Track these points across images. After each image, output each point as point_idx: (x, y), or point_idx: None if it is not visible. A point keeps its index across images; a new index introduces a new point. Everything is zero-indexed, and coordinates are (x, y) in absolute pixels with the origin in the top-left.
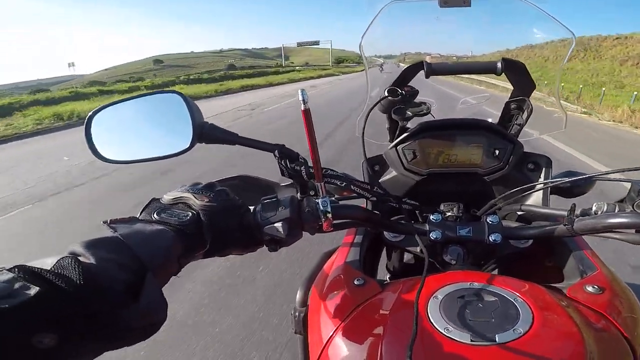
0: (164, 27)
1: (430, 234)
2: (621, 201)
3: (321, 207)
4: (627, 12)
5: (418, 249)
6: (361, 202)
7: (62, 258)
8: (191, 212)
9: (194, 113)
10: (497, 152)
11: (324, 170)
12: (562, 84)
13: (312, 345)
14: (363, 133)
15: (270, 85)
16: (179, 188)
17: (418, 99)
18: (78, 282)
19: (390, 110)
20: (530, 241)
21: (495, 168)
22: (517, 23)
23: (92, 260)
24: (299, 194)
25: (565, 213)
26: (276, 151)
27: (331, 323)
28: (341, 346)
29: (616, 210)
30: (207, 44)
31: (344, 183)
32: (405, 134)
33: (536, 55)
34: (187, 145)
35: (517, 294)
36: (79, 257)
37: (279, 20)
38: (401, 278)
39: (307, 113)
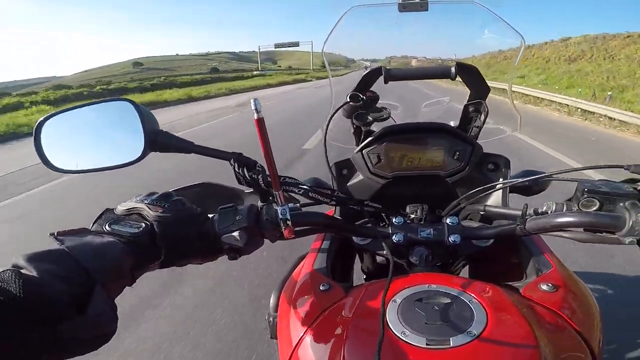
0: (152, 30)
1: (393, 237)
2: (570, 200)
3: (280, 216)
4: (633, 10)
5: (385, 252)
6: (331, 207)
7: (3, 271)
8: (144, 223)
9: (146, 121)
10: (457, 154)
11: (282, 178)
12: (580, 89)
13: (282, 350)
14: (325, 138)
15: (189, 100)
16: (134, 198)
17: (381, 103)
18: (18, 295)
19: (354, 114)
20: (491, 240)
21: (456, 170)
22: (473, 26)
23: (34, 273)
24: (259, 202)
25: (528, 212)
26: (232, 160)
27: (298, 328)
28: (308, 351)
29: (564, 210)
30: (195, 47)
31: (302, 190)
32: (369, 138)
33: (534, 55)
34: (139, 155)
35: (473, 295)
36: (22, 270)
37: (269, 23)
38: (376, 279)
39: (260, 122)
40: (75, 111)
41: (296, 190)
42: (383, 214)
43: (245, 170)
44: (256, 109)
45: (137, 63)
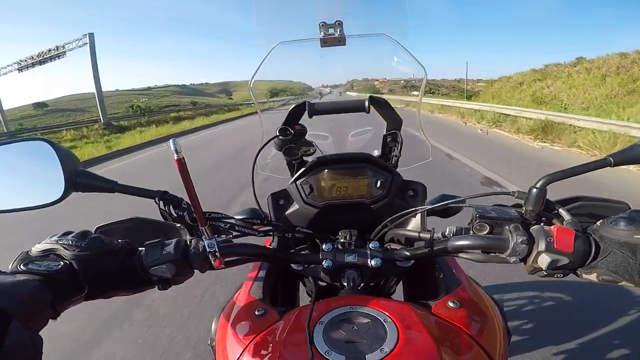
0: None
1: (323, 262)
2: (469, 224)
3: (208, 249)
4: None
5: (321, 276)
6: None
7: None
8: (63, 261)
9: (66, 161)
10: (379, 182)
11: (208, 213)
12: None
13: None
14: (253, 171)
15: None
16: (48, 239)
17: (312, 135)
18: None
19: (284, 148)
20: (412, 261)
21: (379, 197)
22: (385, 59)
23: None
24: (187, 235)
25: (436, 235)
26: (157, 198)
27: (234, 353)
28: None
29: (462, 233)
30: (139, 80)
31: (228, 225)
32: (302, 169)
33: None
34: (59, 196)
35: (387, 314)
36: None
37: (223, 54)
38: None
39: (181, 162)
40: None
41: (222, 225)
42: (317, 241)
43: (171, 207)
44: (175, 150)
45: (40, 104)
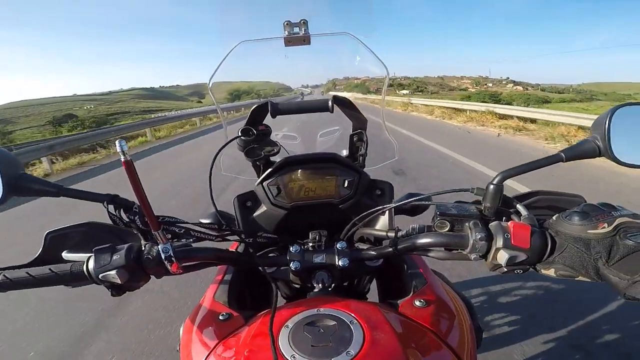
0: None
1: (291, 265)
2: (432, 220)
3: (163, 254)
4: None
5: (290, 277)
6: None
7: None
8: None
9: (5, 164)
10: (346, 182)
11: (161, 217)
12: None
13: None
14: (211, 172)
15: None
16: None
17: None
18: None
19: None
20: (381, 260)
21: (346, 197)
22: (349, 58)
23: None
24: (142, 240)
25: (401, 233)
26: (105, 202)
27: (197, 358)
28: None
29: (425, 231)
30: (113, 83)
31: (183, 229)
32: (268, 170)
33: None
34: None
35: (354, 316)
36: None
37: (196, 55)
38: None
39: (128, 165)
40: None
41: (176, 230)
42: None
43: (122, 212)
44: (122, 152)
45: None
